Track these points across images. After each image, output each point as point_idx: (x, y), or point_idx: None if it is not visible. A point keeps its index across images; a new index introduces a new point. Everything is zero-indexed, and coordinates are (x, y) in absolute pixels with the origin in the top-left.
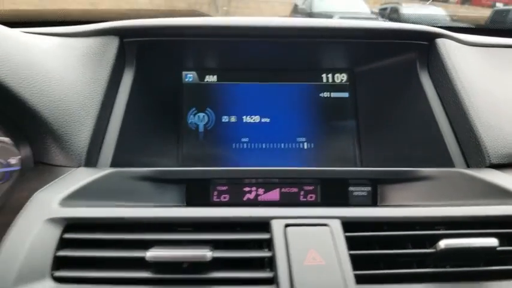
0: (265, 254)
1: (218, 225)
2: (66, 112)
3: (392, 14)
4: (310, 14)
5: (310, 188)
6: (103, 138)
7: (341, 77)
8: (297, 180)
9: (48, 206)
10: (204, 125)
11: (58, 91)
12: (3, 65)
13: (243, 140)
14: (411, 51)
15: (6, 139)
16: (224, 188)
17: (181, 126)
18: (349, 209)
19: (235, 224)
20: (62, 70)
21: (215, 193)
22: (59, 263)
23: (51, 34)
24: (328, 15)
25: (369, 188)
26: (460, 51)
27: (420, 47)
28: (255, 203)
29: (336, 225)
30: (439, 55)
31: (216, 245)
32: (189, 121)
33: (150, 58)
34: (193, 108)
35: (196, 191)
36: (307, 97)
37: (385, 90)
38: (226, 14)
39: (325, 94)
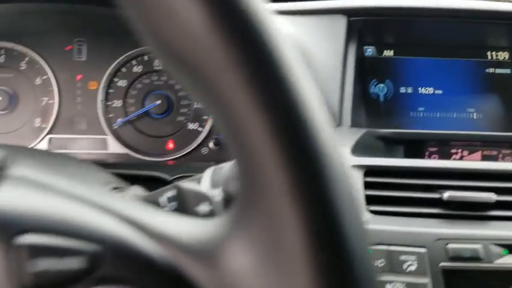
0: None
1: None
2: (323, 81)
3: None
4: None
5: (508, 151)
6: (342, 102)
7: (504, 55)
8: (494, 144)
9: (346, 156)
10: (384, 95)
11: (315, 62)
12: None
13: (420, 109)
14: None
15: None
16: (434, 149)
17: (366, 95)
18: None
19: (494, 175)
20: (308, 44)
21: (427, 153)
22: (367, 200)
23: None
24: None
25: None
26: None
27: None
28: None
29: None
30: None
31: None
32: (371, 91)
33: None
34: (374, 80)
35: (413, 150)
36: (474, 72)
37: None
38: None
39: (490, 70)
